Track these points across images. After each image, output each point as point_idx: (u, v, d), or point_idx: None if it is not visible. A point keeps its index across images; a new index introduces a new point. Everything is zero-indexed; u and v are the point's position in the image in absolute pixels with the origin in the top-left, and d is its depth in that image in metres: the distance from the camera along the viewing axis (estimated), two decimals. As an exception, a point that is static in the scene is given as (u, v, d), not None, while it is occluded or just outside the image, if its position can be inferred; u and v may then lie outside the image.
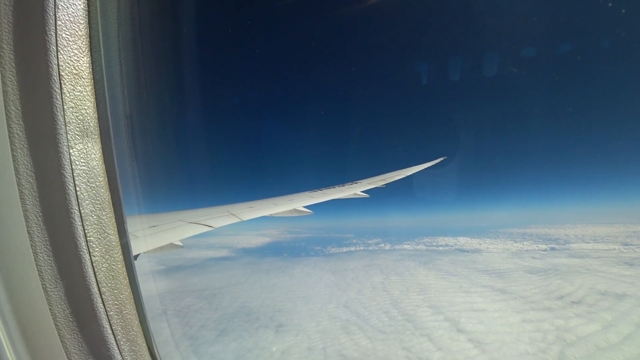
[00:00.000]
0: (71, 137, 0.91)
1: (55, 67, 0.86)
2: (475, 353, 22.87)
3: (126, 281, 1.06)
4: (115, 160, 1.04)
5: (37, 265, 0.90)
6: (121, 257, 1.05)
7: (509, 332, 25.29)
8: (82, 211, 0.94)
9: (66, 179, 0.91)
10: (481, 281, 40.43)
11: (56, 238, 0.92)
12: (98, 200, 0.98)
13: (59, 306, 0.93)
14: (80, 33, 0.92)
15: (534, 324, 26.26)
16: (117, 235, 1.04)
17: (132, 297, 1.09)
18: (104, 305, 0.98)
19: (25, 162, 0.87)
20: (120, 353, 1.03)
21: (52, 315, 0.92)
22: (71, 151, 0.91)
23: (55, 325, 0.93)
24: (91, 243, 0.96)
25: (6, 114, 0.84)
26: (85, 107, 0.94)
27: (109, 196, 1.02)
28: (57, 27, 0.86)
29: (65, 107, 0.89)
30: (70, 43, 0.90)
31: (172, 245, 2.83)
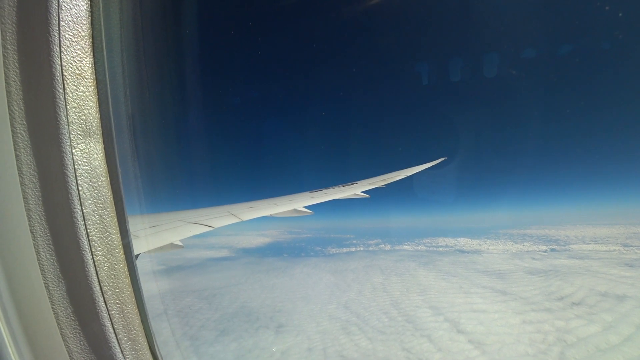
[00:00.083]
0: (74, 137, 0.92)
1: (58, 67, 0.87)
2: (475, 354, 22.83)
3: (128, 280, 1.07)
4: (117, 160, 1.04)
5: (39, 264, 0.90)
6: (123, 256, 1.06)
7: (509, 333, 25.25)
8: (84, 211, 0.94)
9: (69, 179, 0.91)
10: (481, 282, 40.38)
11: (58, 237, 0.92)
12: (100, 199, 0.98)
13: (61, 305, 0.94)
14: (83, 34, 0.93)
15: (535, 325, 26.22)
16: (119, 235, 1.04)
17: (134, 296, 1.09)
18: (105, 304, 0.99)
19: (28, 161, 0.87)
20: (122, 352, 1.04)
21: (54, 314, 0.93)
22: (74, 151, 0.92)
23: (58, 324, 0.93)
24: (93, 242, 0.96)
25: (9, 114, 0.84)
26: (88, 107, 0.95)
27: (111, 196, 1.02)
28: (60, 27, 0.87)
29: (68, 107, 0.89)
30: (73, 43, 0.90)
31: (172, 245, 2.83)
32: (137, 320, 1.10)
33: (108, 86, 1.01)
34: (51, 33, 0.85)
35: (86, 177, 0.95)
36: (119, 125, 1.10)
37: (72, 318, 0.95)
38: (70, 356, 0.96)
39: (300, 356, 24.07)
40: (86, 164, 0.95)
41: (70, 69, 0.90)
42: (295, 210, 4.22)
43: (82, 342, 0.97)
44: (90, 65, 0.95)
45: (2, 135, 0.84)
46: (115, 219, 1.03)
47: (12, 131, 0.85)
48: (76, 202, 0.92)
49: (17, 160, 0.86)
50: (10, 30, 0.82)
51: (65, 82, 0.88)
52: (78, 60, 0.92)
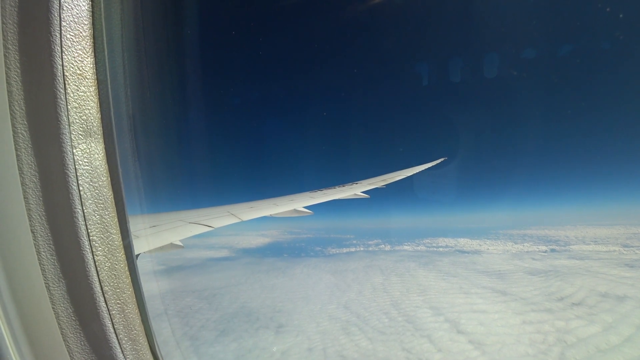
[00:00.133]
0: (75, 137, 0.92)
1: (59, 67, 0.87)
2: (475, 354, 22.82)
3: (128, 280, 1.07)
4: (118, 160, 1.04)
5: (40, 264, 0.91)
6: (123, 256, 1.06)
7: (509, 334, 25.23)
8: (85, 210, 0.94)
9: (69, 179, 0.91)
10: (481, 282, 40.36)
11: (59, 237, 0.92)
12: (101, 199, 0.99)
13: (62, 305, 0.94)
14: (84, 34, 0.93)
15: (535, 326, 26.21)
16: (119, 235, 1.04)
17: (134, 296, 1.09)
18: (106, 304, 0.99)
19: (29, 161, 0.88)
20: (122, 352, 1.04)
21: (54, 314, 0.93)
22: (75, 151, 0.92)
23: (58, 323, 0.93)
24: (94, 242, 0.96)
25: (10, 114, 0.84)
26: (89, 108, 0.95)
27: (112, 196, 1.02)
28: (62, 27, 0.87)
29: (69, 107, 0.90)
30: (75, 44, 0.91)
31: (172, 245, 2.83)
32: (138, 320, 1.10)
33: (109, 86, 1.01)
34: (52, 33, 0.85)
35: (87, 177, 0.95)
36: (120, 126, 1.10)
37: (73, 318, 0.95)
38: (70, 356, 0.96)
39: (300, 356, 24.06)
40: (87, 164, 0.95)
41: (71, 69, 0.90)
42: (296, 211, 4.22)
43: (82, 342, 0.97)
44: (92, 66, 0.95)
45: (3, 135, 0.84)
46: (116, 219, 1.04)
47: (13, 131, 0.85)
48: (77, 202, 0.92)
49: (18, 160, 0.86)
50: (12, 30, 0.82)
51: (66, 82, 0.89)
52: (79, 61, 0.92)
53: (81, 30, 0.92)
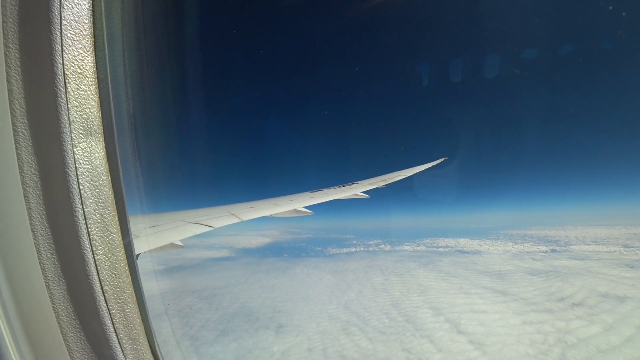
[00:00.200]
0: (75, 136, 0.92)
1: (60, 66, 0.87)
2: (476, 354, 22.81)
3: (128, 280, 1.06)
4: (119, 159, 1.04)
5: (40, 263, 0.90)
6: (124, 256, 1.05)
7: (509, 334, 25.22)
8: (85, 210, 0.94)
9: (70, 178, 0.91)
10: (482, 282, 40.34)
11: (59, 236, 0.92)
12: (101, 199, 0.98)
13: (62, 304, 0.93)
14: (85, 32, 0.93)
15: (535, 326, 26.19)
16: (119, 234, 1.04)
17: (135, 296, 1.09)
18: (106, 303, 0.99)
19: (29, 160, 0.87)
20: (122, 351, 1.04)
21: (55, 313, 0.93)
22: (75, 150, 0.92)
23: (58, 323, 0.93)
24: (94, 242, 0.96)
25: (11, 113, 0.84)
26: (89, 106, 0.95)
27: (112, 195, 1.02)
28: (62, 26, 0.87)
29: (69, 106, 0.89)
30: (75, 42, 0.90)
31: (172, 245, 2.83)
32: (138, 320, 1.10)
33: (109, 85, 1.00)
34: (53, 32, 0.85)
35: (87, 176, 0.95)
36: (120, 125, 1.10)
37: (73, 317, 0.95)
38: (70, 355, 0.95)
39: (300, 356, 24.06)
40: (87, 163, 0.95)
41: (71, 67, 0.90)
42: (296, 211, 4.22)
43: (82, 341, 0.97)
44: (92, 64, 0.95)
45: (4, 134, 0.84)
46: (117, 218, 1.03)
47: (14, 130, 0.85)
48: (77, 201, 0.92)
49: (18, 158, 0.86)
50: (12, 29, 0.82)
51: (66, 80, 0.88)
52: (80, 59, 0.92)
53: (82, 29, 0.92)
